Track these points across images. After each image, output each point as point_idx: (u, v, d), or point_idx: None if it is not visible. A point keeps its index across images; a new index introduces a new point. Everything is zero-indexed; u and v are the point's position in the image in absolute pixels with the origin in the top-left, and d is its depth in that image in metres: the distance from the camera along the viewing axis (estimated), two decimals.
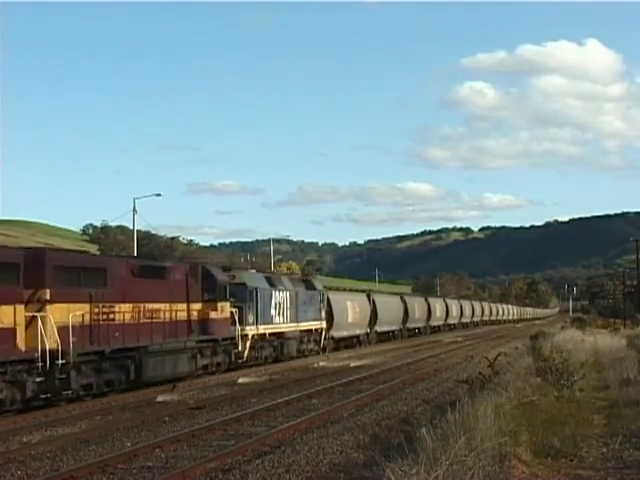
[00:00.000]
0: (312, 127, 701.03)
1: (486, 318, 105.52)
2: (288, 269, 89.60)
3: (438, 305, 76.85)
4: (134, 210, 56.85)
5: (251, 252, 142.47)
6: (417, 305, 67.05)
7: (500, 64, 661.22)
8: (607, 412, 17.18)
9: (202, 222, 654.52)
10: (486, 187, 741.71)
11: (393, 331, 59.96)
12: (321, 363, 36.22)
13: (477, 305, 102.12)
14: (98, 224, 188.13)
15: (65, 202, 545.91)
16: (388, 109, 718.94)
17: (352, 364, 34.98)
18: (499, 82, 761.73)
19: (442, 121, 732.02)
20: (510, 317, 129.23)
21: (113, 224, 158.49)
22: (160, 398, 22.71)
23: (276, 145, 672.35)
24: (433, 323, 73.94)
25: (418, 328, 68.71)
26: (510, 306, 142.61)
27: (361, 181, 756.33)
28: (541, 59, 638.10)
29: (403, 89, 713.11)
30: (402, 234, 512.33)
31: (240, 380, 28.02)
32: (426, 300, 73.40)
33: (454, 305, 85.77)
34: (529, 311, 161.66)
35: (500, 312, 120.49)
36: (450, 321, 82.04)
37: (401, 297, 63.85)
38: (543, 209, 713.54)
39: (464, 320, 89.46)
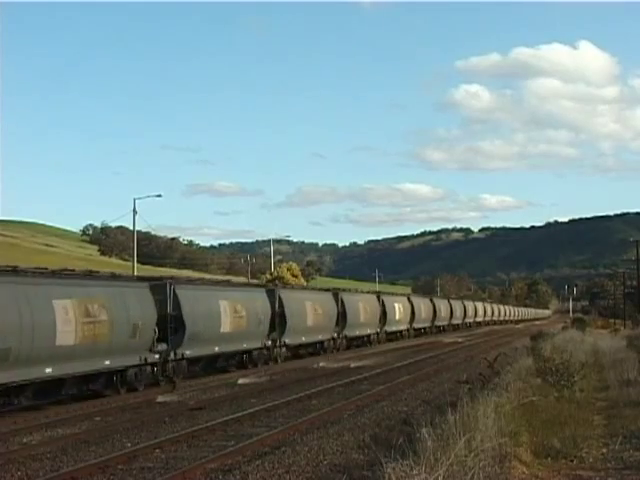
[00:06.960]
0: (309, 129, 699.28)
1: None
2: (288, 270, 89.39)
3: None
4: (134, 211, 56.90)
5: (251, 253, 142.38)
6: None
7: (494, 67, 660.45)
8: (607, 413, 17.19)
9: (202, 223, 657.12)
10: (484, 188, 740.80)
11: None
12: (321, 364, 36.21)
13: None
14: (98, 225, 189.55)
15: (65, 202, 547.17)
16: (384, 111, 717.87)
17: (352, 365, 34.97)
18: (494, 85, 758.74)
19: (438, 123, 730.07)
20: (510, 318, 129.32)
21: (113, 225, 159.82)
22: (160, 399, 22.73)
23: (274, 146, 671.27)
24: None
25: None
26: (510, 307, 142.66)
27: (359, 182, 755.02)
28: (535, 62, 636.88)
29: (399, 91, 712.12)
30: (402, 234, 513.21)
31: (240, 381, 28.03)
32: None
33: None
34: (529, 312, 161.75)
35: (500, 313, 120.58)
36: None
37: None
38: (541, 210, 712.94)
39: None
